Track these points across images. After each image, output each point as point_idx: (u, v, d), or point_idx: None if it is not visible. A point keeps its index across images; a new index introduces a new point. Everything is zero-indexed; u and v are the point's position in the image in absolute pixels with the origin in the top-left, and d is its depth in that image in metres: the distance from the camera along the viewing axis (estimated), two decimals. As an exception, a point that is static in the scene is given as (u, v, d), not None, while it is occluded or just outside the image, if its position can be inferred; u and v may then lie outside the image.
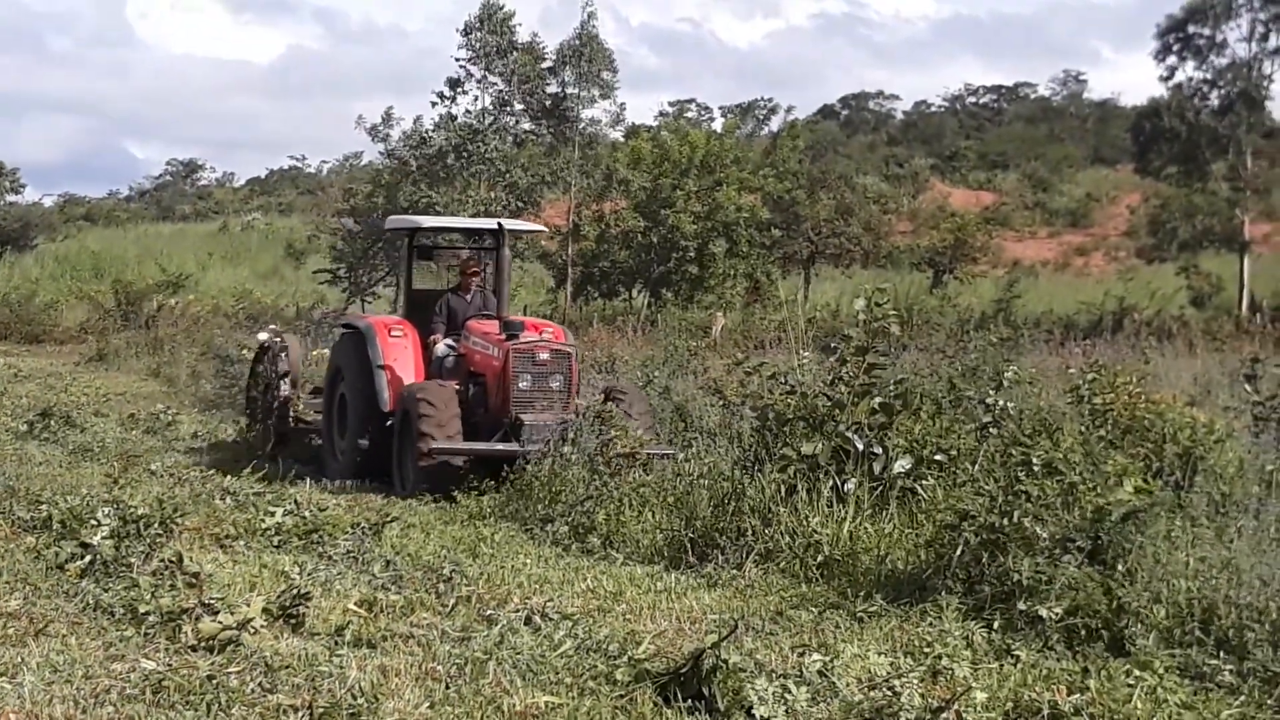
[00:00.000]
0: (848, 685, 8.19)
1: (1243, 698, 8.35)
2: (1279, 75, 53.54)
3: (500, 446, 16.82)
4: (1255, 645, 8.77)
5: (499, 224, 19.44)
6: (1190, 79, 54.45)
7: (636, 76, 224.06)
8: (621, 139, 61.51)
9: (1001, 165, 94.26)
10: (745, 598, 11.15)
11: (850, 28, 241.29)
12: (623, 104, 79.64)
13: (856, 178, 71.15)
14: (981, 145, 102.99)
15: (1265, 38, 54.06)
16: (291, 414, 20.52)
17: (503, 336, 17.89)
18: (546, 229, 23.21)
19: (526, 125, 57.49)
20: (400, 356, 18.80)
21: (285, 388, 20.61)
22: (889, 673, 8.41)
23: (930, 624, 9.73)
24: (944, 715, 7.20)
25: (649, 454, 15.66)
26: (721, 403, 19.17)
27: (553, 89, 57.28)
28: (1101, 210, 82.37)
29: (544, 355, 17.57)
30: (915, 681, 8.14)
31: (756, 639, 9.51)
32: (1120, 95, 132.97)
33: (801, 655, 8.92)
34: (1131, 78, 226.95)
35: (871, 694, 7.91)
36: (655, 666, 8.41)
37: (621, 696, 7.97)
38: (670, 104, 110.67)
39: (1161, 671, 8.66)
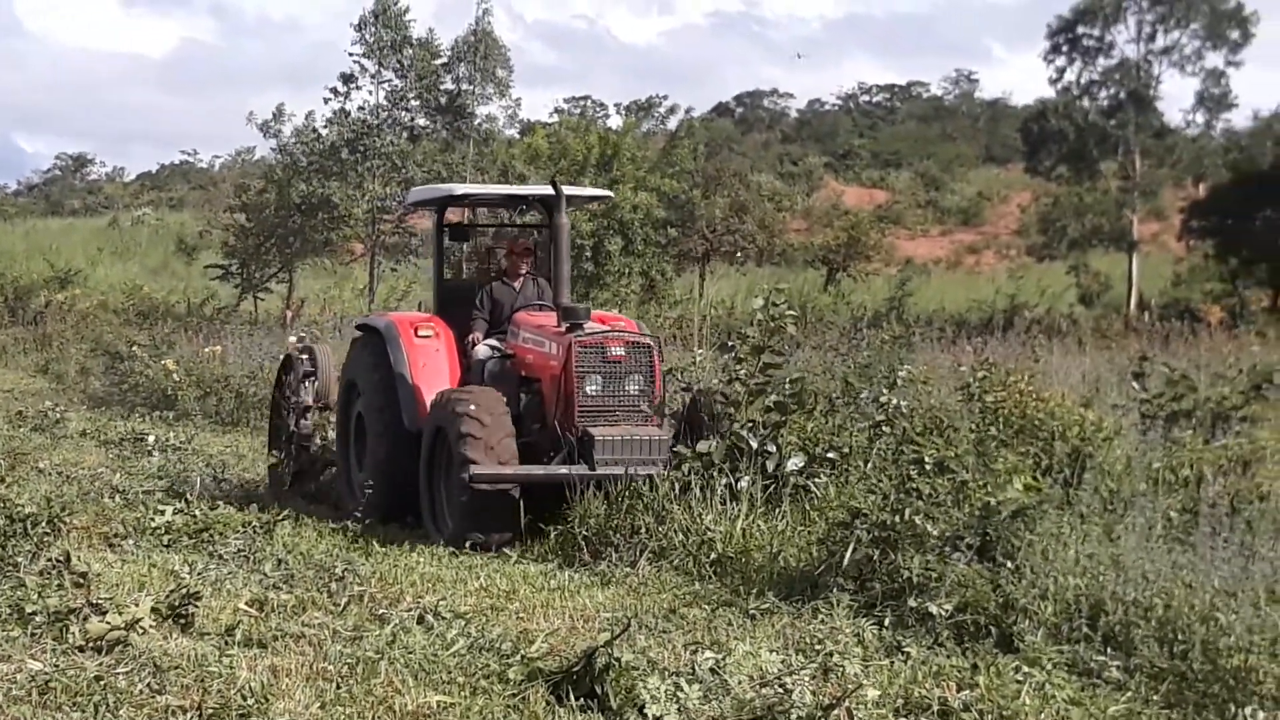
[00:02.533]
0: (740, 683, 8.22)
1: (1129, 693, 8.46)
2: (1167, 76, 54.27)
3: (565, 470, 13.42)
4: (1141, 641, 8.88)
5: (555, 185, 15.43)
6: (1079, 79, 55.03)
7: (532, 73, 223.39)
8: (517, 136, 61.39)
9: (894, 164, 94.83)
10: (639, 595, 11.17)
11: (746, 25, 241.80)
12: (518, 100, 79.47)
13: (751, 175, 71.24)
14: (875, 144, 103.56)
15: (1153, 38, 54.72)
16: (317, 442, 17.45)
17: (562, 328, 14.32)
18: (611, 194, 20.21)
19: (422, 121, 57.19)
20: (430, 362, 15.34)
21: (306, 423, 17.47)
22: (780, 670, 8.46)
23: (822, 621, 9.78)
24: (835, 712, 7.23)
25: None
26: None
27: (448, 85, 57.06)
28: (993, 209, 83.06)
29: (617, 350, 14.00)
30: (806, 679, 8.19)
31: (649, 637, 9.53)
32: (1011, 95, 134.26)
33: (694, 653, 8.94)
34: (1023, 77, 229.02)
35: (763, 691, 7.94)
36: (548, 665, 8.41)
37: (514, 695, 7.96)
38: (566, 100, 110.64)
39: (1049, 667, 8.76)
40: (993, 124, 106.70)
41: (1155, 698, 8.37)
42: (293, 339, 19.56)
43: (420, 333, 15.54)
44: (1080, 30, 54.92)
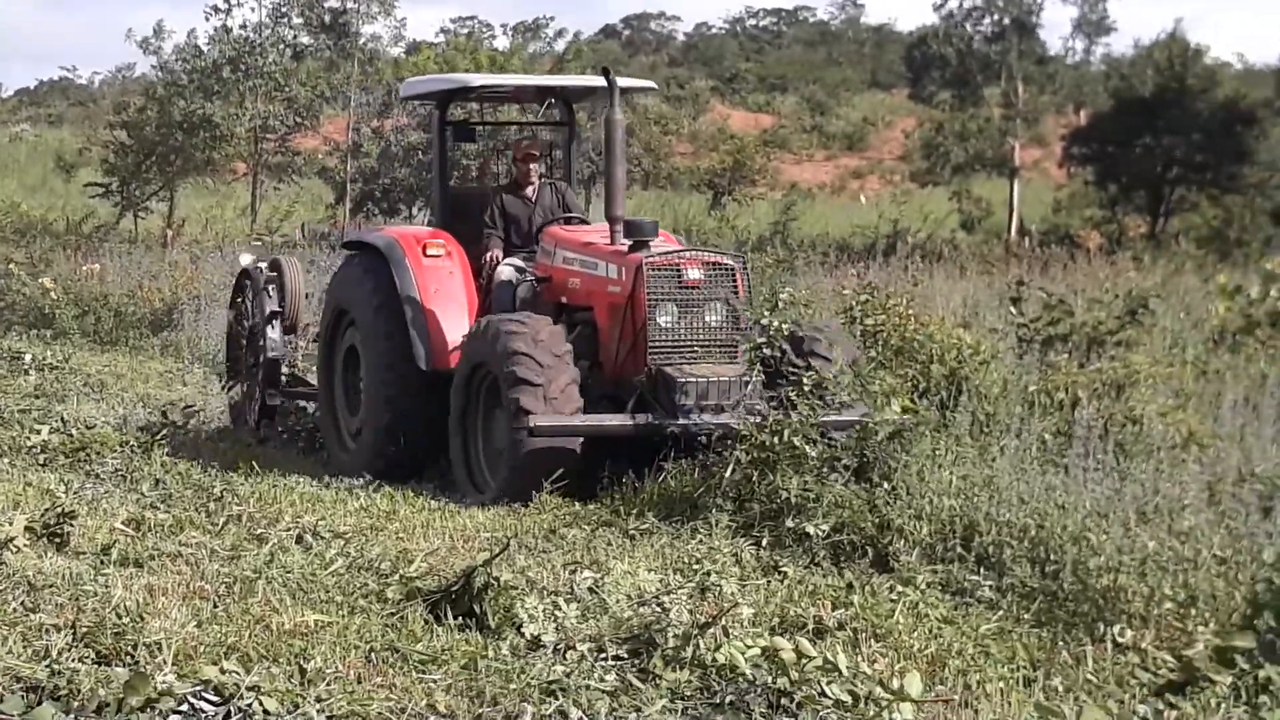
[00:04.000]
0: (618, 602, 8.29)
1: (1001, 612, 8.60)
2: (1050, 3, 54.63)
3: (644, 420, 11.70)
4: (1014, 562, 9.04)
5: (608, 74, 13.02)
6: (962, 5, 55.23)
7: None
8: (403, 55, 60.88)
9: (780, 88, 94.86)
10: (518, 516, 11.20)
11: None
12: (403, 19, 78.92)
13: (637, 98, 71.13)
14: (761, 68, 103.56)
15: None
16: (285, 373, 15.52)
17: (623, 246, 12.38)
18: (654, 85, 15.24)
19: (305, 39, 56.55)
20: (443, 286, 13.28)
21: (275, 336, 15.32)
22: (658, 589, 8.54)
23: (700, 541, 9.87)
24: (711, 630, 7.30)
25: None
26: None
27: (332, 3, 56.45)
28: (877, 134, 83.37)
29: (694, 272, 12.11)
30: (684, 597, 8.28)
31: (529, 557, 9.57)
32: (896, 21, 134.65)
33: (573, 572, 9.00)
34: (907, 3, 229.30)
35: (641, 610, 8.01)
36: (427, 584, 8.43)
37: (392, 614, 7.98)
38: (452, 20, 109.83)
39: (924, 587, 8.91)
40: (878, 50, 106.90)
41: (1026, 616, 8.51)
42: (246, 256, 17.16)
43: (429, 251, 13.44)
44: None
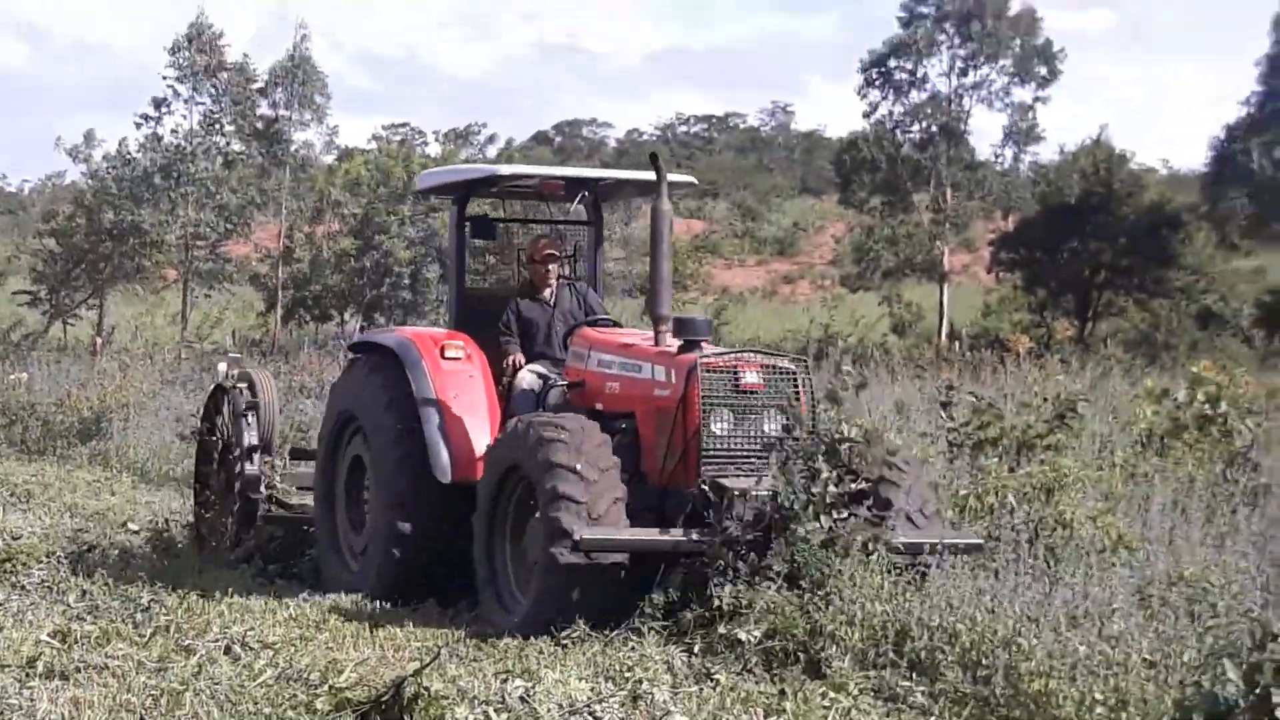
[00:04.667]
0: (549, 711, 8.23)
1: (933, 718, 8.58)
2: (977, 110, 55.31)
3: (687, 534, 10.56)
4: (946, 666, 9.02)
5: (657, 161, 11.87)
6: (891, 113, 55.88)
7: (351, 100, 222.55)
8: (335, 162, 61.05)
9: (712, 194, 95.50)
10: (450, 625, 11.13)
11: (569, 57, 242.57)
12: (335, 126, 79.13)
13: (571, 205, 71.52)
14: (693, 174, 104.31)
15: (964, 73, 55.72)
16: (265, 494, 14.20)
17: (671, 347, 11.50)
18: (694, 180, 13.59)
19: (237, 146, 56.66)
20: (464, 391, 12.28)
21: (250, 470, 14.12)
22: (590, 698, 8.49)
23: (632, 649, 9.82)
24: (643, 740, 7.27)
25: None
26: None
27: (264, 110, 56.60)
28: (808, 239, 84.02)
29: (752, 376, 11.12)
30: (616, 706, 8.23)
31: (460, 666, 9.51)
32: (826, 127, 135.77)
33: (504, 682, 8.93)
34: (838, 111, 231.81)
35: (572, 719, 7.95)
36: (356, 695, 8.34)
37: (322, 725, 7.90)
38: (385, 128, 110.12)
39: (856, 693, 8.89)
40: (808, 155, 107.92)
41: (958, 721, 8.51)
42: (224, 365, 15.98)
43: (448, 353, 12.46)
44: (893, 64, 55.81)
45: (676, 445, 11.07)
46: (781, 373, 11.24)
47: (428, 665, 8.39)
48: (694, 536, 10.51)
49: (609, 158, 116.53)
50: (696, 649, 9.81)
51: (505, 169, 13.45)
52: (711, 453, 10.96)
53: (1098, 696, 8.20)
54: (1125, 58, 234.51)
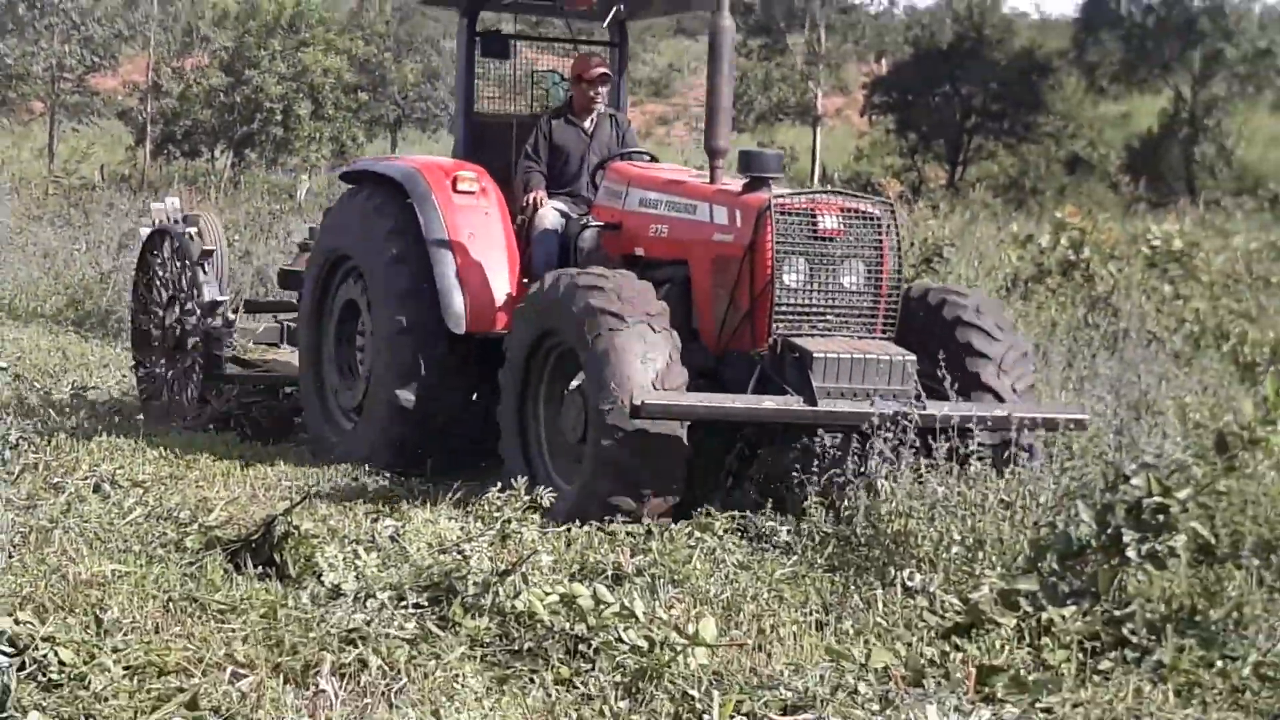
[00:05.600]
0: (418, 550, 8.32)
1: (795, 557, 8.76)
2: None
3: (773, 404, 9.33)
4: (809, 508, 9.18)
5: None
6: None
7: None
8: (204, -7, 60.02)
9: (587, 32, 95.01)
10: (321, 464, 11.19)
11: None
12: (205, -43, 77.62)
13: (444, 41, 70.65)
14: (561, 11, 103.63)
15: (843, -86, 55.56)
16: (226, 349, 12.81)
17: (732, 185, 10.23)
18: None
19: (104, -24, 55.48)
20: (480, 230, 10.98)
21: (212, 295, 12.77)
22: (459, 537, 8.59)
23: (501, 490, 9.92)
24: (510, 578, 7.38)
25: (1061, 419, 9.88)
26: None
27: (131, -60, 55.43)
28: (683, 81, 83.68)
29: (831, 220, 9.82)
30: (484, 545, 8.32)
31: (331, 506, 9.60)
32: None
33: (374, 521, 9.04)
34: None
35: (441, 558, 8.05)
36: (226, 534, 8.42)
37: (191, 564, 7.96)
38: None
39: (721, 533, 9.04)
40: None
41: (820, 561, 8.69)
42: (163, 206, 13.86)
43: (461, 185, 11.07)
44: (772, -96, 55.54)
45: (741, 299, 9.75)
46: (864, 217, 9.92)
47: (298, 504, 8.48)
48: (798, 404, 9.26)
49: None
50: (565, 489, 9.91)
51: None
52: (784, 308, 9.66)
53: (955, 536, 8.41)
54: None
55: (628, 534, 9.01)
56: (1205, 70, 51.29)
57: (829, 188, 10.54)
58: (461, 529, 8.86)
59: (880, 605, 7.83)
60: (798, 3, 54.41)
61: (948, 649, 7.10)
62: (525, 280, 10.88)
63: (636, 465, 9.17)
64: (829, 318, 9.79)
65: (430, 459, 10.96)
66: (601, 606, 7.06)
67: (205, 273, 12.89)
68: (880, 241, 9.89)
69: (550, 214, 11.13)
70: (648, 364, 9.16)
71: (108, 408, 13.57)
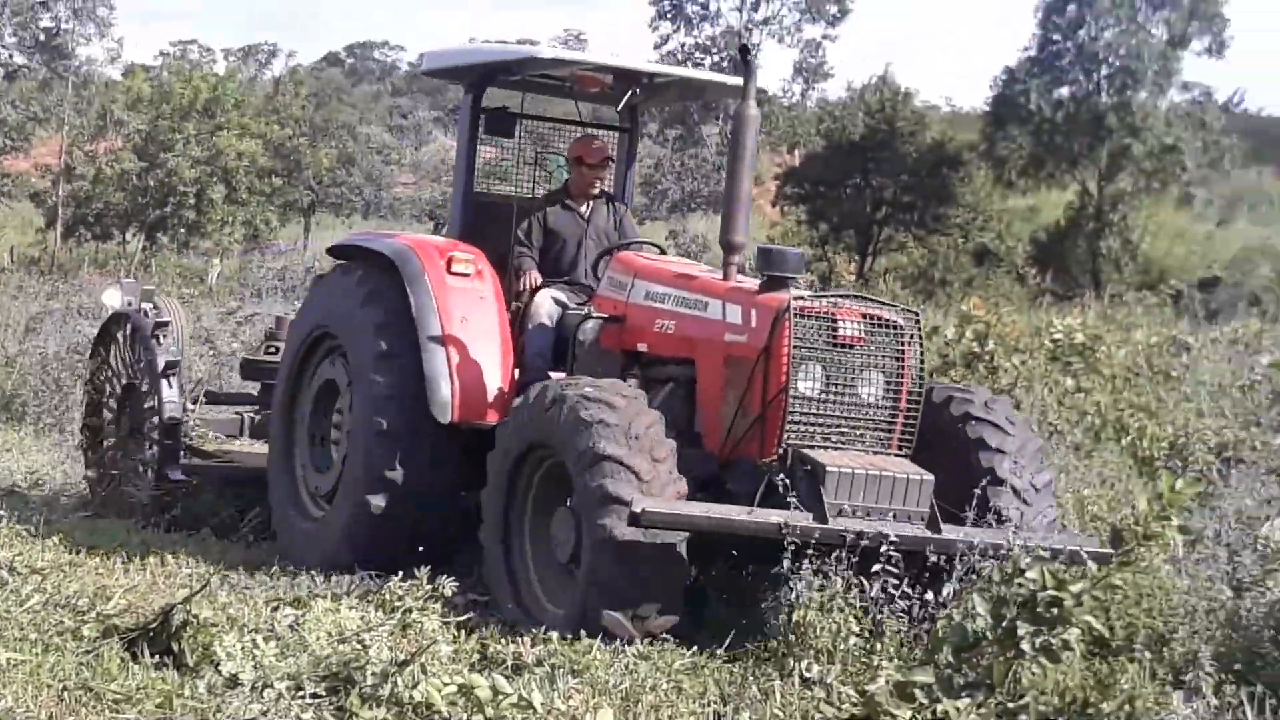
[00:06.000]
0: (318, 639, 8.30)
1: (695, 648, 8.74)
2: (769, 45, 55.81)
3: (780, 519, 8.57)
4: (712, 601, 9.19)
5: (746, 53, 9.92)
6: (683, 45, 56.24)
7: (136, 13, 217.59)
8: (119, 78, 59.91)
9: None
10: (223, 552, 11.14)
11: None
12: (121, 39, 77.61)
13: (360, 127, 70.80)
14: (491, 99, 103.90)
15: (755, 7, 56.25)
16: (183, 442, 12.37)
17: (747, 283, 9.80)
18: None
19: (18, 59, 55.36)
20: (474, 315, 10.46)
21: (170, 394, 12.28)
22: (359, 626, 8.58)
23: (402, 579, 9.91)
24: (409, 668, 7.37)
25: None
26: (212, 352, 18.93)
27: (46, 23, 55.34)
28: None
29: (851, 326, 9.26)
30: (384, 635, 8.32)
31: (231, 594, 9.53)
32: (617, 56, 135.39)
33: (274, 610, 8.98)
34: (631, 41, 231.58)
35: (340, 648, 8.04)
36: (124, 622, 8.34)
37: (88, 653, 7.89)
38: (172, 44, 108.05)
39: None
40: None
41: (720, 652, 8.72)
42: (111, 297, 13.64)
43: (456, 266, 10.53)
44: (684, -4, 56.19)
45: (751, 404, 9.24)
46: (886, 325, 9.35)
47: (197, 593, 8.42)
48: (807, 521, 8.58)
49: (400, 82, 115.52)
50: (469, 579, 9.90)
51: (547, 52, 11.42)
52: (797, 417, 9.13)
53: (853, 629, 8.46)
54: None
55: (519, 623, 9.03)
56: (1112, 165, 52.13)
57: (852, 291, 10.29)
58: (362, 618, 8.84)
59: (778, 696, 7.87)
60: (653, 106, 55.06)
61: (844, 740, 7.14)
62: (517, 371, 10.50)
63: (634, 581, 8.57)
64: (843, 429, 9.23)
65: (399, 556, 9.89)
66: (500, 697, 7.07)
67: (160, 343, 12.50)
68: (902, 351, 9.33)
69: (547, 303, 10.67)
70: (640, 483, 8.58)
71: (5, 493, 13.41)
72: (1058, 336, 16.77)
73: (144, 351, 12.63)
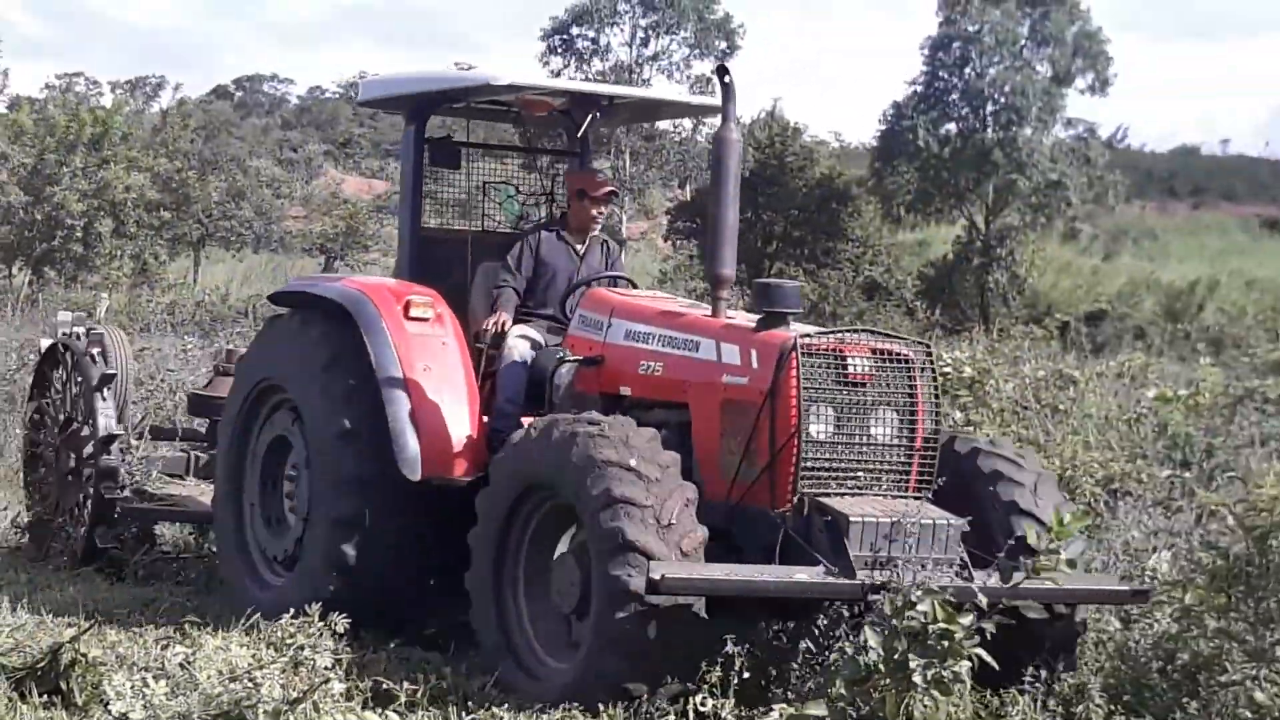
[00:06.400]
0: (209, 677, 8.21)
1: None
2: (657, 80, 55.94)
3: (807, 578, 8.01)
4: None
5: (724, 72, 9.31)
6: (573, 79, 56.33)
7: (21, 46, 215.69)
8: (3, 110, 59.30)
9: (393, 154, 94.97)
10: (113, 590, 11.04)
11: (244, 9, 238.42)
12: (6, 71, 76.74)
13: (249, 161, 70.40)
14: (375, 133, 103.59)
15: (645, 43, 56.47)
16: (121, 485, 11.68)
17: (741, 321, 9.17)
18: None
19: (-101, 91, 54.73)
20: (435, 363, 9.78)
21: (105, 408, 11.75)
22: (250, 664, 8.51)
23: (295, 616, 9.86)
24: (301, 706, 7.34)
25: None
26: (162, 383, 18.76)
27: (-72, 55, 54.78)
28: (491, 202, 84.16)
29: (861, 363, 8.66)
30: (276, 672, 8.26)
31: (121, 632, 9.46)
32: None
33: (165, 648, 8.91)
34: (521, 74, 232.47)
35: (231, 686, 7.97)
36: (11, 661, 8.24)
37: (-26, 693, 7.81)
38: (58, 76, 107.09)
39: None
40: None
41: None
42: (65, 318, 13.03)
43: (414, 311, 9.88)
44: (575, 31, 56.28)
45: (758, 451, 8.58)
46: (896, 360, 8.75)
47: (86, 630, 8.35)
48: (833, 578, 7.99)
49: (290, 115, 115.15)
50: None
51: (503, 76, 10.29)
52: (811, 464, 8.45)
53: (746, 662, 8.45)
54: (803, 33, 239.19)
55: (421, 660, 9.01)
56: (998, 200, 52.78)
57: (858, 326, 9.23)
58: (253, 656, 8.75)
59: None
60: (603, 130, 55.15)
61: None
62: (485, 419, 9.83)
63: (653, 644, 7.88)
64: (859, 474, 8.56)
65: (382, 609, 9.69)
66: (393, 733, 7.05)
67: (104, 399, 11.76)
68: (913, 387, 8.68)
69: (520, 344, 9.95)
70: (659, 531, 7.93)
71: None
72: (947, 370, 16.90)
73: (79, 373, 12.07)
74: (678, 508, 8.00)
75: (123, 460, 11.72)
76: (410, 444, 9.51)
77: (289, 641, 8.93)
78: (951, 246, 54.44)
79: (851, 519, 8.12)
